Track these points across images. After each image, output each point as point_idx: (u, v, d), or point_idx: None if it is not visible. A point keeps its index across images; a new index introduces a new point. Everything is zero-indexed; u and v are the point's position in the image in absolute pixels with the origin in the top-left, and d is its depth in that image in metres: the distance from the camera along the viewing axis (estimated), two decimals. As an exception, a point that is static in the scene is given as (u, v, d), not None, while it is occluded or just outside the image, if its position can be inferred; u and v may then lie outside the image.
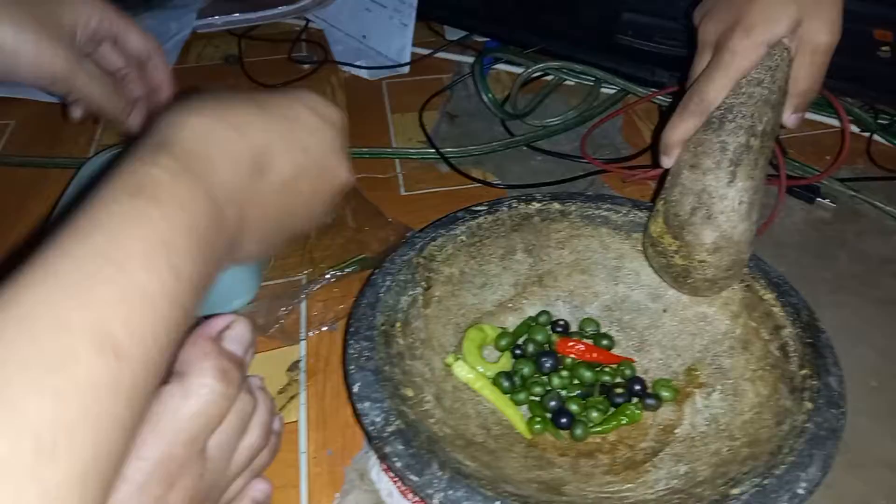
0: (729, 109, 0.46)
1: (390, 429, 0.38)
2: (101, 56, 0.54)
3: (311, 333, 0.55)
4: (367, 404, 0.39)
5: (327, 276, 0.58)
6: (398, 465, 0.37)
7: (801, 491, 0.36)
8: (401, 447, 0.37)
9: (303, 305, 0.57)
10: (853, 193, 0.69)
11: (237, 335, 0.34)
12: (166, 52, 0.88)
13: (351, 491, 0.46)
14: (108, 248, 0.26)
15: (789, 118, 0.49)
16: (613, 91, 0.82)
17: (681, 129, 0.47)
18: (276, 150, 0.34)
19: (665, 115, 0.51)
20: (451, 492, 0.35)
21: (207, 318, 0.33)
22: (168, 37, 0.91)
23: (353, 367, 0.41)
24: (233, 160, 0.32)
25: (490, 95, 0.78)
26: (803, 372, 0.42)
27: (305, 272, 0.59)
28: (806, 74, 0.47)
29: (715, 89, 0.46)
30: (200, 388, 0.29)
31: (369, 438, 0.39)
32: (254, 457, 0.35)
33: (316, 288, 0.57)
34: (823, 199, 0.68)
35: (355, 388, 0.40)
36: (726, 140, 0.46)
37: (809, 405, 0.40)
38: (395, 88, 0.86)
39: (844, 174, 0.71)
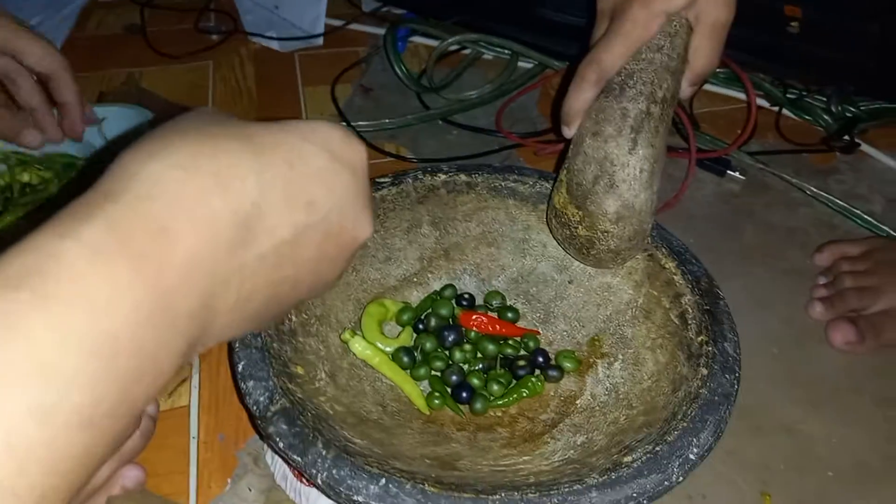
0: (630, 75, 0.45)
1: (274, 408, 0.36)
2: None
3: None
4: (251, 383, 0.37)
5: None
6: (281, 445, 0.35)
7: (692, 456, 0.35)
8: (284, 427, 0.35)
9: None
10: (762, 166, 0.70)
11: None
12: (63, 20, 0.83)
13: (244, 475, 0.44)
14: None
15: (685, 90, 0.48)
16: (531, 65, 0.81)
17: (580, 99, 0.46)
18: (270, 208, 0.26)
19: (564, 84, 0.50)
20: (335, 471, 0.33)
21: None
22: (65, 3, 0.85)
23: (237, 344, 0.39)
24: (206, 228, 0.23)
25: (403, 68, 0.76)
26: (700, 338, 0.42)
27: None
28: (704, 49, 0.47)
29: (612, 57, 0.45)
30: None
31: (252, 419, 0.37)
32: None
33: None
34: (734, 172, 0.68)
35: (239, 367, 0.38)
36: (627, 107, 0.45)
37: (704, 371, 0.39)
38: (308, 61, 0.83)
39: (754, 148, 0.72)
